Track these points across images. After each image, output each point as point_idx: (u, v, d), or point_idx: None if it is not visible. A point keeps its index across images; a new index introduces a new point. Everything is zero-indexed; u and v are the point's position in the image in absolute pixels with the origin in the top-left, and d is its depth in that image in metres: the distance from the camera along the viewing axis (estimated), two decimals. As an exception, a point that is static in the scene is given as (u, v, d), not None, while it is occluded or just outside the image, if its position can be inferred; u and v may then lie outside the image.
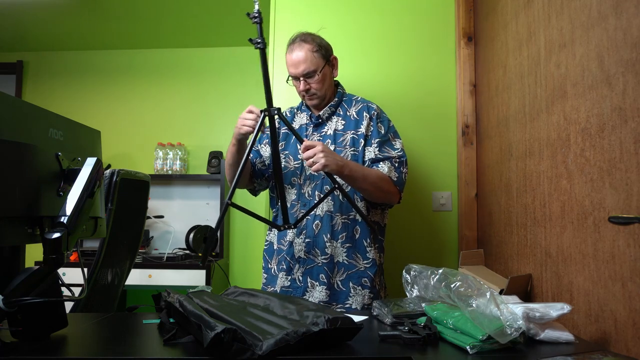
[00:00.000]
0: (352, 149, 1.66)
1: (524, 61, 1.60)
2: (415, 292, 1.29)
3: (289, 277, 1.63)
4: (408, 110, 2.23)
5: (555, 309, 1.04)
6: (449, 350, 0.98)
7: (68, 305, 1.45)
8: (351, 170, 1.51)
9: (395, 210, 2.00)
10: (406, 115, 2.21)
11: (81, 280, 1.07)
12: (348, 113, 1.71)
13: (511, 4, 1.73)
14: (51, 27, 3.36)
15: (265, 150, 1.75)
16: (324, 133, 1.71)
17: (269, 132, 1.53)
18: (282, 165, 1.68)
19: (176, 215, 3.50)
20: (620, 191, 1.05)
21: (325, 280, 1.59)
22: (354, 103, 1.73)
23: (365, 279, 1.61)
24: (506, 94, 1.78)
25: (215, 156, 3.41)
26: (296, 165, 1.69)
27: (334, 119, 1.71)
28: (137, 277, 2.90)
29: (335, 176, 1.50)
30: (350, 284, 1.60)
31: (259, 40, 1.43)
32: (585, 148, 1.19)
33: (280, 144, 1.72)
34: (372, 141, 1.65)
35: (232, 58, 3.62)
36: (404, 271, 1.33)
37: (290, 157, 1.71)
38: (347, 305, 1.59)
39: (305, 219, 1.61)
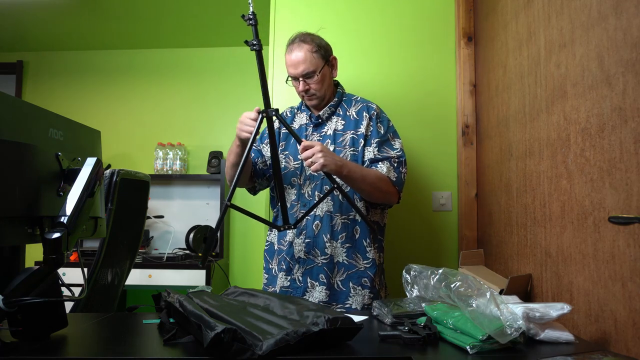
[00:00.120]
0: (352, 149, 1.66)
1: (524, 61, 1.60)
2: (415, 292, 1.29)
3: (289, 278, 1.63)
4: (408, 110, 2.23)
5: (555, 309, 1.04)
6: (449, 350, 0.98)
7: (68, 305, 1.45)
8: (350, 170, 1.51)
9: (395, 210, 2.00)
10: (406, 115, 2.21)
11: (81, 280, 1.07)
12: (348, 113, 1.71)
13: (511, 4, 1.73)
14: (51, 27, 3.36)
15: (267, 150, 1.75)
16: (323, 133, 1.71)
17: (268, 133, 1.53)
18: (282, 166, 1.68)
19: (176, 215, 3.50)
20: (620, 191, 1.05)
21: (325, 281, 1.59)
22: (353, 103, 1.73)
23: (365, 279, 1.61)
24: (506, 94, 1.78)
25: (215, 156, 3.41)
26: (296, 166, 1.69)
27: (334, 119, 1.71)
28: (137, 277, 2.90)
29: (334, 176, 1.50)
30: (350, 284, 1.60)
31: (255, 42, 1.43)
32: (585, 148, 1.19)
33: (280, 144, 1.72)
34: (372, 141, 1.65)
35: (232, 58, 3.62)
36: (404, 271, 1.33)
37: (290, 158, 1.71)
38: (347, 305, 1.59)
39: (305, 219, 1.61)
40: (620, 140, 1.05)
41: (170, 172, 3.45)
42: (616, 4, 1.07)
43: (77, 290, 1.09)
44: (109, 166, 1.37)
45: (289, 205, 1.65)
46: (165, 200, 3.52)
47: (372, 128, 1.67)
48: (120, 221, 1.74)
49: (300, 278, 1.61)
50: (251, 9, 1.43)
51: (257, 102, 1.54)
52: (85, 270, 1.14)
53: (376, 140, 1.65)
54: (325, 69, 1.66)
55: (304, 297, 1.60)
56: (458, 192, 2.21)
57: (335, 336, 0.97)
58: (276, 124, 1.62)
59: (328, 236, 1.61)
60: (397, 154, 1.65)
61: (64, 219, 0.93)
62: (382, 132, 1.67)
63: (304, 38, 1.64)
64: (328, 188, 1.61)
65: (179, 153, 3.48)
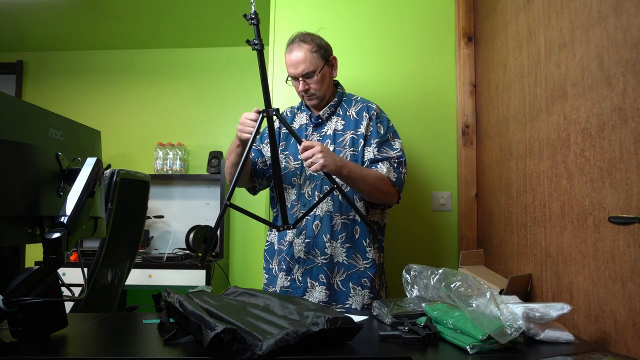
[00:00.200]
0: (352, 149, 1.65)
1: (524, 61, 1.60)
2: (415, 292, 1.29)
3: (289, 278, 1.63)
4: (408, 110, 2.23)
5: (555, 309, 1.04)
6: (449, 350, 0.98)
7: (68, 305, 1.45)
8: (350, 170, 1.51)
9: (395, 210, 2.00)
10: (406, 115, 2.21)
11: (81, 280, 1.07)
12: (348, 113, 1.71)
13: (511, 4, 1.73)
14: (51, 27, 3.36)
15: (267, 150, 1.74)
16: (323, 133, 1.71)
17: (268, 133, 1.53)
18: (282, 166, 1.68)
19: (176, 215, 3.50)
20: (620, 191, 1.05)
21: (325, 281, 1.59)
22: (353, 103, 1.73)
23: (365, 279, 1.61)
24: (506, 94, 1.78)
25: (215, 156, 3.41)
26: (296, 166, 1.69)
27: (334, 119, 1.71)
28: (137, 277, 2.90)
29: (334, 177, 1.50)
30: (350, 284, 1.60)
31: (256, 42, 1.43)
32: (585, 148, 1.19)
33: (280, 144, 1.72)
34: (372, 141, 1.65)
35: (232, 58, 3.62)
36: (404, 271, 1.33)
37: (291, 158, 1.71)
38: (347, 306, 1.59)
39: (305, 219, 1.61)
40: (620, 140, 1.05)
41: (170, 172, 3.45)
42: (616, 4, 1.07)
43: (77, 290, 1.09)
44: (109, 166, 1.37)
45: (289, 206, 1.65)
46: (165, 200, 3.52)
47: (372, 128, 1.67)
48: (120, 221, 1.74)
49: (300, 278, 1.61)
50: (253, 8, 1.43)
51: (258, 101, 1.54)
52: (85, 270, 1.14)
53: (376, 140, 1.65)
54: (325, 69, 1.66)
55: (304, 297, 1.60)
56: (458, 192, 2.21)
57: (335, 336, 0.97)
58: (276, 124, 1.62)
59: (328, 236, 1.61)
60: (397, 154, 1.65)
61: (64, 219, 0.93)
62: (382, 132, 1.67)
63: (304, 38, 1.64)
64: (328, 188, 1.61)
65: (179, 153, 3.48)
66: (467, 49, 2.19)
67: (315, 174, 1.64)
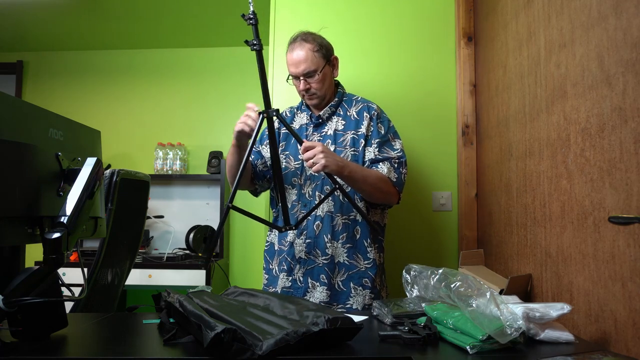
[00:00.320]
0: (352, 149, 1.65)
1: (524, 61, 1.60)
2: (415, 292, 1.29)
3: (290, 278, 1.63)
4: (408, 110, 2.23)
5: (555, 309, 1.04)
6: (449, 350, 0.98)
7: (68, 305, 1.45)
8: (351, 171, 1.51)
9: (395, 210, 2.00)
10: (406, 115, 2.21)
11: (81, 280, 1.07)
12: (348, 113, 1.71)
13: (511, 4, 1.73)
14: (51, 27, 3.36)
15: (267, 151, 1.74)
16: (324, 133, 1.71)
17: (268, 133, 1.53)
18: (283, 166, 1.67)
19: (176, 215, 3.50)
20: (620, 191, 1.05)
21: (326, 281, 1.59)
22: (354, 103, 1.73)
23: (366, 279, 1.61)
24: (506, 94, 1.78)
25: (215, 156, 3.41)
26: (296, 166, 1.69)
27: (334, 119, 1.71)
28: (137, 277, 2.90)
29: (335, 177, 1.50)
30: (351, 285, 1.60)
31: (255, 42, 1.43)
32: (585, 148, 1.19)
33: (280, 145, 1.72)
34: (372, 141, 1.65)
35: (232, 58, 3.62)
36: (404, 271, 1.33)
37: (291, 158, 1.71)
38: (348, 306, 1.59)
39: (305, 220, 1.61)
40: (620, 140, 1.05)
41: (170, 172, 3.45)
42: (616, 4, 1.07)
43: (77, 290, 1.09)
44: (109, 166, 1.37)
45: (289, 206, 1.65)
46: (165, 200, 3.52)
47: (372, 128, 1.67)
48: (120, 221, 1.74)
49: (301, 278, 1.61)
50: (251, 8, 1.43)
51: (258, 102, 1.53)
52: (85, 270, 1.14)
53: (377, 140, 1.65)
54: (327, 68, 1.66)
55: (305, 297, 1.60)
56: (458, 192, 2.21)
57: (335, 336, 0.97)
58: (276, 124, 1.62)
59: (329, 236, 1.61)
60: (398, 154, 1.65)
61: (64, 219, 0.93)
62: (383, 132, 1.67)
63: (306, 37, 1.64)
64: (328, 188, 1.61)
65: (179, 153, 3.48)
66: (467, 49, 2.19)
67: (316, 174, 1.64)
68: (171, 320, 1.11)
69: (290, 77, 1.68)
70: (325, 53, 1.65)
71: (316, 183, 1.65)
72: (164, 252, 3.23)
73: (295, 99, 1.85)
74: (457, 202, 2.21)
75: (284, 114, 1.80)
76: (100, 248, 1.69)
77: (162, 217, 3.43)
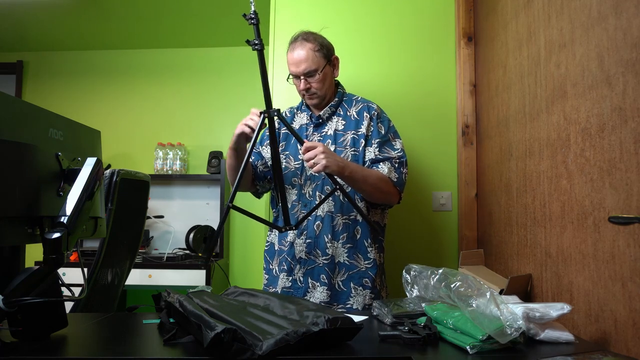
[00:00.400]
0: (353, 149, 1.65)
1: (524, 61, 1.60)
2: (415, 292, 1.29)
3: (290, 278, 1.63)
4: (408, 110, 2.23)
5: (555, 309, 1.04)
6: (449, 350, 0.98)
7: (68, 305, 1.45)
8: (352, 171, 1.51)
9: (395, 210, 2.00)
10: (406, 115, 2.21)
11: (81, 280, 1.07)
12: (348, 113, 1.71)
13: (511, 4, 1.73)
14: (51, 27, 3.36)
15: (267, 152, 1.74)
16: (324, 133, 1.71)
17: (269, 133, 1.53)
18: (283, 166, 1.67)
19: (176, 215, 3.50)
20: (620, 191, 1.05)
21: (326, 281, 1.59)
22: (354, 103, 1.73)
23: (366, 279, 1.61)
24: (506, 94, 1.78)
25: (215, 156, 3.41)
26: (297, 166, 1.69)
27: (335, 119, 1.71)
28: (137, 277, 2.90)
29: (335, 177, 1.50)
30: (351, 285, 1.60)
31: (257, 42, 1.42)
32: (585, 148, 1.19)
33: (280, 145, 1.72)
34: (372, 141, 1.65)
35: (232, 58, 3.62)
36: (404, 271, 1.33)
37: (291, 158, 1.71)
38: (348, 306, 1.59)
39: (305, 220, 1.61)
40: (620, 140, 1.05)
41: (170, 172, 3.45)
42: (616, 4, 1.07)
43: (77, 290, 1.09)
44: (109, 166, 1.37)
45: (289, 206, 1.65)
46: (165, 200, 3.52)
47: (372, 128, 1.67)
48: (120, 221, 1.74)
49: (302, 278, 1.61)
50: (253, 8, 1.43)
51: (258, 101, 1.54)
52: (85, 270, 1.14)
53: (377, 140, 1.65)
54: (327, 68, 1.66)
55: (305, 297, 1.60)
56: (458, 192, 2.21)
57: (335, 336, 0.97)
58: (276, 125, 1.62)
59: (329, 236, 1.61)
60: (398, 154, 1.65)
61: (64, 219, 0.93)
62: (383, 132, 1.67)
63: (307, 37, 1.65)
64: (329, 188, 1.61)
65: (179, 153, 3.48)
66: (467, 49, 2.19)
67: (317, 174, 1.64)
68: (171, 320, 1.11)
69: (291, 77, 1.68)
70: (326, 53, 1.65)
71: (316, 183, 1.65)
72: (164, 252, 3.23)
73: (296, 99, 1.85)
74: (457, 202, 2.21)
75: (284, 114, 1.79)
76: (100, 248, 1.69)
77: (162, 217, 3.43)
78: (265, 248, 1.75)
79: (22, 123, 0.93)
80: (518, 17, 1.66)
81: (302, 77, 1.64)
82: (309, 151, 1.45)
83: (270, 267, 1.70)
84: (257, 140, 1.77)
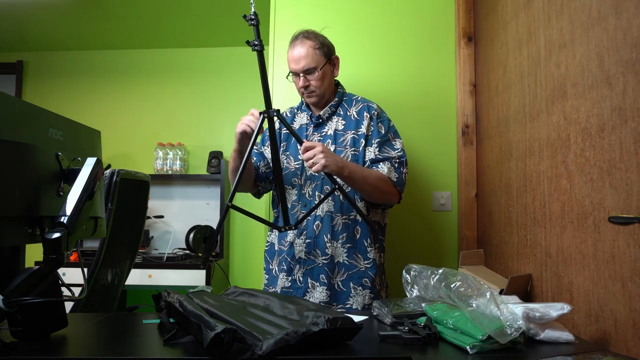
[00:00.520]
0: (353, 149, 1.65)
1: (524, 61, 1.60)
2: (415, 292, 1.29)
3: (290, 278, 1.63)
4: (408, 110, 2.23)
5: (555, 309, 1.04)
6: (449, 350, 0.98)
7: (68, 305, 1.45)
8: (351, 171, 1.51)
9: (395, 210, 2.00)
10: (406, 115, 2.21)
11: (81, 280, 1.07)
12: (348, 113, 1.71)
13: (511, 4, 1.73)
14: (51, 27, 3.36)
15: (269, 153, 1.74)
16: (324, 133, 1.71)
17: (269, 134, 1.53)
18: (283, 166, 1.67)
19: (176, 215, 3.50)
20: (620, 191, 1.05)
21: (326, 281, 1.59)
22: (354, 103, 1.73)
23: (366, 279, 1.61)
24: (506, 94, 1.78)
25: (215, 156, 3.41)
26: (297, 166, 1.69)
27: (335, 119, 1.71)
28: (137, 277, 2.90)
29: (335, 177, 1.50)
30: (351, 285, 1.60)
31: (256, 43, 1.43)
32: (585, 148, 1.19)
33: (281, 145, 1.72)
34: (372, 141, 1.65)
35: (232, 58, 3.62)
36: (404, 271, 1.33)
37: (291, 158, 1.71)
38: (348, 306, 1.59)
39: (305, 220, 1.61)
40: (620, 140, 1.05)
41: (170, 172, 3.45)
42: (616, 4, 1.07)
43: (77, 290, 1.09)
44: (109, 166, 1.37)
45: (289, 206, 1.65)
46: (165, 200, 3.52)
47: (372, 128, 1.67)
48: (120, 221, 1.74)
49: (301, 278, 1.61)
50: (253, 9, 1.43)
51: (258, 101, 1.54)
52: (85, 270, 1.14)
53: (377, 140, 1.65)
54: (327, 67, 1.66)
55: (305, 297, 1.60)
56: (458, 192, 2.21)
57: (335, 336, 0.97)
58: (277, 125, 1.62)
59: (329, 236, 1.61)
60: (398, 154, 1.65)
61: (64, 219, 0.93)
62: (383, 132, 1.67)
63: (308, 35, 1.65)
64: (329, 188, 1.61)
65: (179, 153, 3.48)
66: (467, 49, 2.19)
67: (316, 174, 1.64)
68: (171, 320, 1.11)
69: (291, 74, 1.68)
70: (326, 52, 1.65)
71: (316, 183, 1.65)
72: (164, 252, 3.24)
73: (295, 99, 1.85)
74: (457, 202, 2.21)
75: (284, 114, 1.79)
76: (100, 248, 1.69)
77: (162, 217, 3.43)
78: (266, 248, 1.75)
79: (22, 123, 0.93)
80: (518, 17, 1.66)
81: (301, 75, 1.64)
82: (308, 151, 1.45)
83: (270, 267, 1.70)
84: (258, 141, 1.78)
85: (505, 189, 1.77)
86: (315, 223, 1.62)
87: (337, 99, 1.72)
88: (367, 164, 1.64)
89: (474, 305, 1.00)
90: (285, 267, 1.64)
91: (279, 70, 2.23)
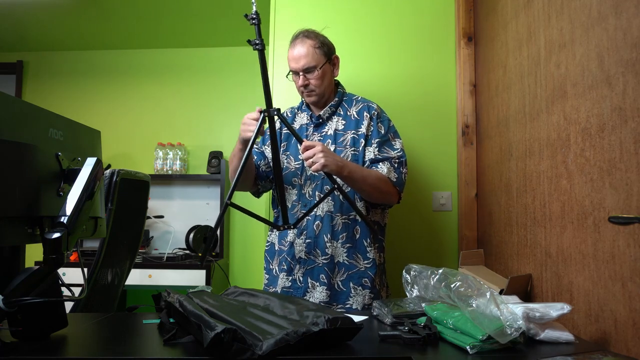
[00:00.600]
0: (353, 149, 1.66)
1: (524, 61, 1.60)
2: (415, 292, 1.29)
3: (290, 278, 1.63)
4: (408, 110, 2.23)
5: (555, 309, 1.04)
6: (449, 350, 0.98)
7: (68, 305, 1.45)
8: (350, 171, 1.51)
9: (395, 210, 2.00)
10: (406, 115, 2.21)
11: (81, 280, 1.07)
12: (348, 113, 1.71)
13: (511, 4, 1.73)
14: (51, 27, 3.36)
15: (270, 152, 1.74)
16: (324, 133, 1.71)
17: (269, 133, 1.53)
18: (283, 166, 1.67)
19: (176, 215, 3.50)
20: (620, 191, 1.05)
21: (326, 281, 1.59)
22: (354, 103, 1.73)
23: (366, 279, 1.61)
24: (506, 94, 1.78)
25: (215, 156, 3.41)
26: (297, 166, 1.69)
27: (335, 118, 1.71)
28: (137, 277, 2.90)
29: (334, 177, 1.50)
30: (351, 284, 1.60)
31: (258, 42, 1.43)
32: (585, 148, 1.19)
33: (282, 145, 1.72)
34: (372, 141, 1.65)
35: (232, 58, 3.62)
36: (404, 271, 1.33)
37: (291, 158, 1.71)
38: (348, 306, 1.59)
39: (305, 220, 1.61)
40: (620, 140, 1.05)
41: (170, 172, 3.45)
42: (616, 4, 1.07)
43: (77, 290, 1.09)
44: (109, 166, 1.37)
45: (289, 206, 1.65)
46: (165, 200, 3.52)
47: (372, 128, 1.67)
48: (120, 221, 1.74)
49: (301, 278, 1.61)
50: (254, 8, 1.43)
51: (258, 101, 1.54)
52: (85, 270, 1.14)
53: (377, 140, 1.65)
54: (327, 66, 1.66)
55: (305, 297, 1.60)
56: (458, 192, 2.21)
57: (335, 336, 0.97)
58: (277, 125, 1.62)
59: (329, 236, 1.61)
60: (398, 154, 1.65)
61: (64, 219, 0.93)
62: (383, 132, 1.67)
63: (308, 34, 1.65)
64: (328, 188, 1.61)
65: (179, 153, 3.48)
66: (467, 49, 2.19)
67: (316, 174, 1.64)
68: (171, 320, 1.11)
69: (290, 73, 1.68)
70: (326, 51, 1.65)
71: (316, 183, 1.65)
72: (164, 252, 3.23)
73: (296, 99, 1.85)
74: (457, 202, 2.21)
75: (284, 114, 1.79)
76: (100, 248, 1.69)
77: (162, 217, 3.43)
78: (266, 248, 1.75)
79: (22, 123, 0.93)
80: (518, 17, 1.66)
81: (301, 74, 1.64)
82: (307, 150, 1.45)
83: (271, 267, 1.70)
84: (260, 140, 1.78)
85: (505, 189, 1.77)
86: (315, 223, 1.62)
87: (337, 98, 1.72)
88: (366, 164, 1.64)
89: (474, 305, 1.00)
90: (285, 267, 1.64)
91: (279, 70, 2.23)
